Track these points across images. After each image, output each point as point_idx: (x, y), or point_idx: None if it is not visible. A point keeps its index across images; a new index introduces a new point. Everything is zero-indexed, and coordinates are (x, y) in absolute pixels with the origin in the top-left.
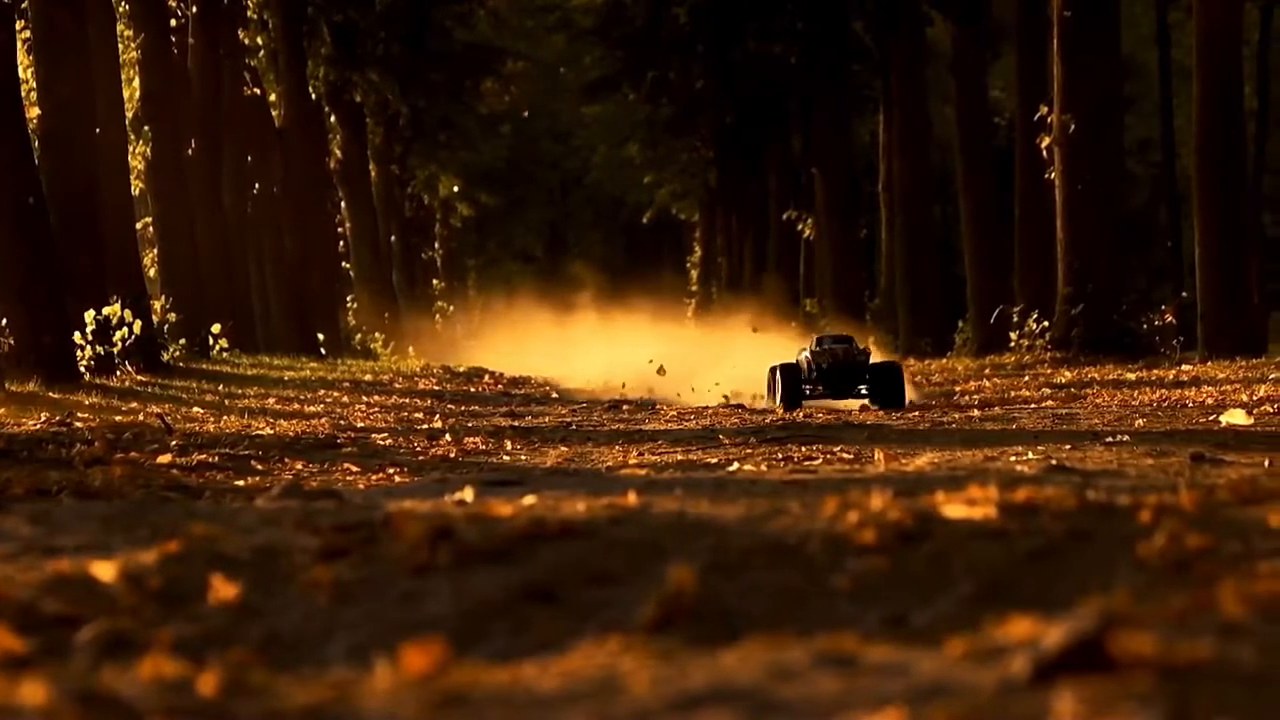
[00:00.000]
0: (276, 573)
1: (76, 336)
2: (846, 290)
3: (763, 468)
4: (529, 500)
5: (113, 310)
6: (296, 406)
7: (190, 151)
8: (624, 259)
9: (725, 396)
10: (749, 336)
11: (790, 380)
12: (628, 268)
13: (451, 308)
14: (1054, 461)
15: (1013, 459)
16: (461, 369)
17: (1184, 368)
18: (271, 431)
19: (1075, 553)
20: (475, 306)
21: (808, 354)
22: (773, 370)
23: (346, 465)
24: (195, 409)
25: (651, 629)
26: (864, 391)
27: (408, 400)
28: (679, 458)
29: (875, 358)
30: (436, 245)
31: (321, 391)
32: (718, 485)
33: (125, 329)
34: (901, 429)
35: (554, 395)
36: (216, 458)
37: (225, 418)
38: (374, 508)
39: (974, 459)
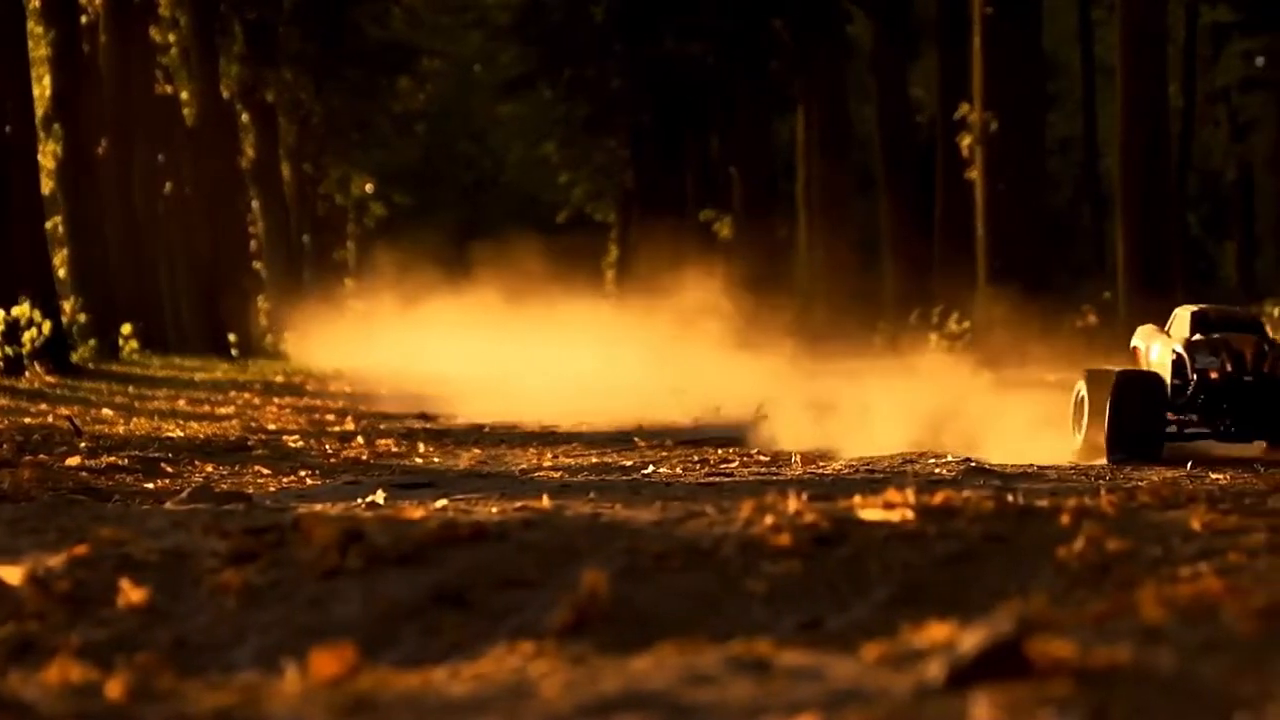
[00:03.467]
0: (185, 576)
1: None
2: (765, 291)
3: (678, 470)
4: (441, 503)
5: (21, 311)
6: (207, 408)
7: (101, 151)
8: (540, 259)
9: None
10: (674, 342)
11: (1144, 404)
12: (544, 268)
13: (364, 308)
14: (973, 463)
15: (931, 461)
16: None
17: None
18: (182, 434)
19: (993, 556)
20: (387, 306)
21: (1177, 349)
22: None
23: (257, 468)
24: (105, 411)
25: (564, 633)
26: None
27: (319, 402)
28: (594, 460)
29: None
30: (349, 245)
31: (233, 393)
32: (632, 488)
33: (34, 329)
34: None
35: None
36: (126, 460)
37: (135, 420)
38: (284, 511)
39: (892, 461)
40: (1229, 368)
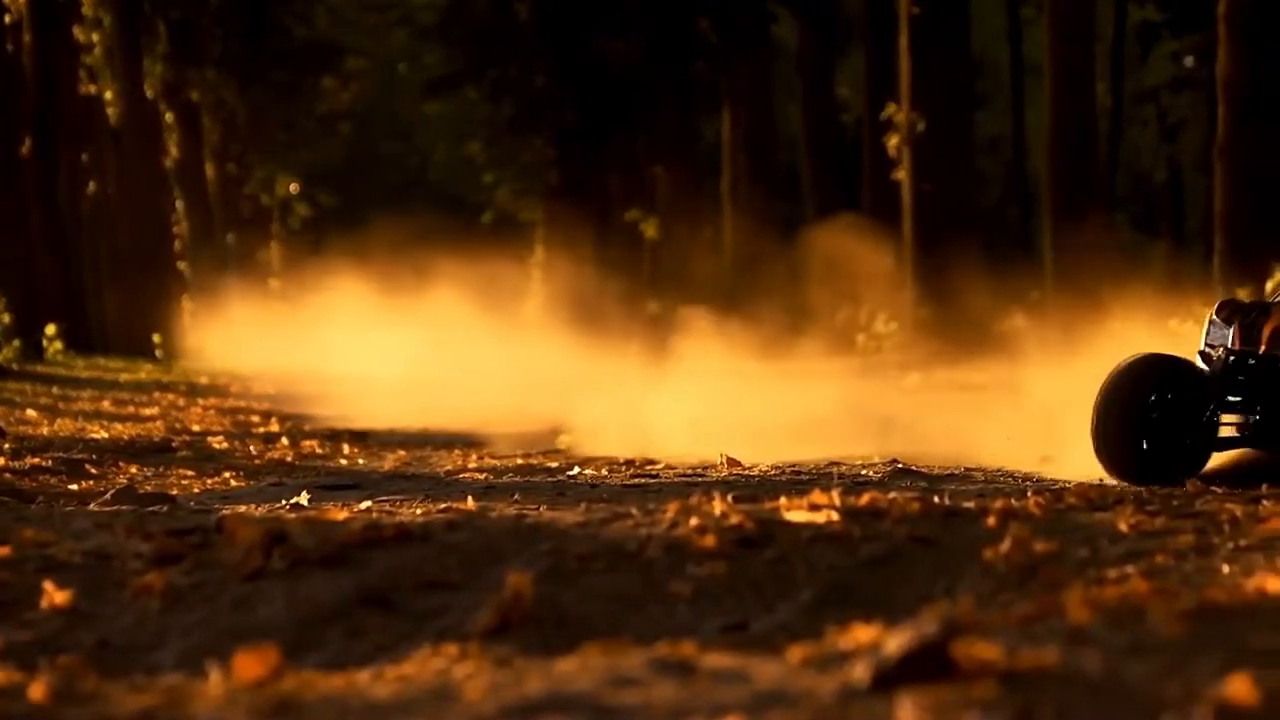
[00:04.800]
0: (109, 578)
1: None
2: (691, 291)
3: (604, 471)
4: (365, 505)
5: None
6: (132, 409)
7: (25, 150)
8: (466, 260)
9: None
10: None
11: (1147, 403)
12: (469, 268)
13: (288, 308)
14: (899, 464)
15: (858, 461)
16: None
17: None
18: (106, 435)
19: (919, 558)
20: (311, 306)
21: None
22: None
23: (182, 469)
24: (29, 412)
25: (488, 635)
26: None
27: (243, 403)
28: (519, 462)
29: None
30: (274, 245)
31: (157, 394)
32: (558, 489)
33: None
34: None
35: None
36: (50, 461)
37: (59, 421)
38: (208, 512)
39: (818, 461)
40: (1238, 343)
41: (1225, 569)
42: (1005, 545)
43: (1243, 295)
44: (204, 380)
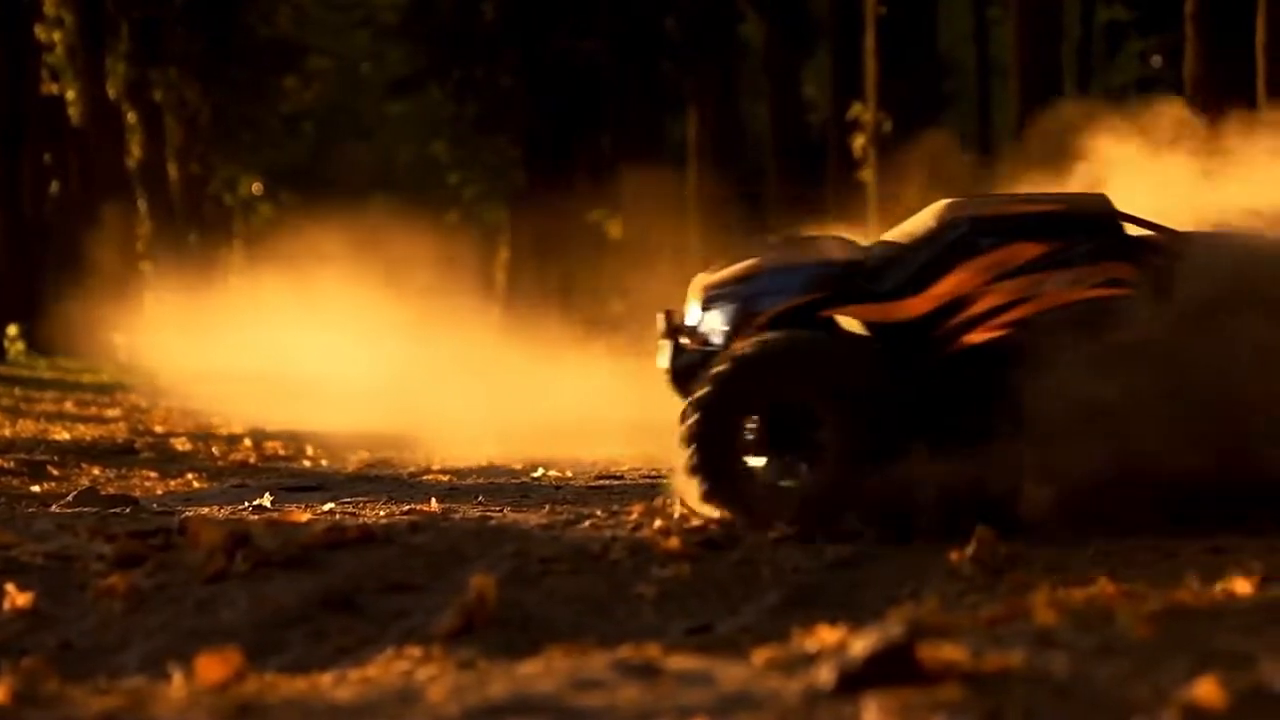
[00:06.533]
0: (71, 580)
1: None
2: (657, 291)
3: (568, 473)
4: (328, 506)
5: None
6: (94, 410)
7: None
8: (430, 261)
9: None
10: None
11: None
12: (434, 270)
13: (251, 309)
14: None
15: None
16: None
17: None
18: (69, 436)
19: (886, 559)
20: (273, 307)
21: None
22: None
23: (144, 471)
24: None
25: (452, 637)
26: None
27: (206, 404)
28: (483, 463)
29: None
30: (237, 245)
31: (120, 395)
32: (521, 491)
33: None
34: None
35: None
36: (12, 463)
37: (21, 422)
38: (171, 514)
39: None
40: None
41: (1193, 570)
42: (971, 547)
43: None
44: (166, 381)
